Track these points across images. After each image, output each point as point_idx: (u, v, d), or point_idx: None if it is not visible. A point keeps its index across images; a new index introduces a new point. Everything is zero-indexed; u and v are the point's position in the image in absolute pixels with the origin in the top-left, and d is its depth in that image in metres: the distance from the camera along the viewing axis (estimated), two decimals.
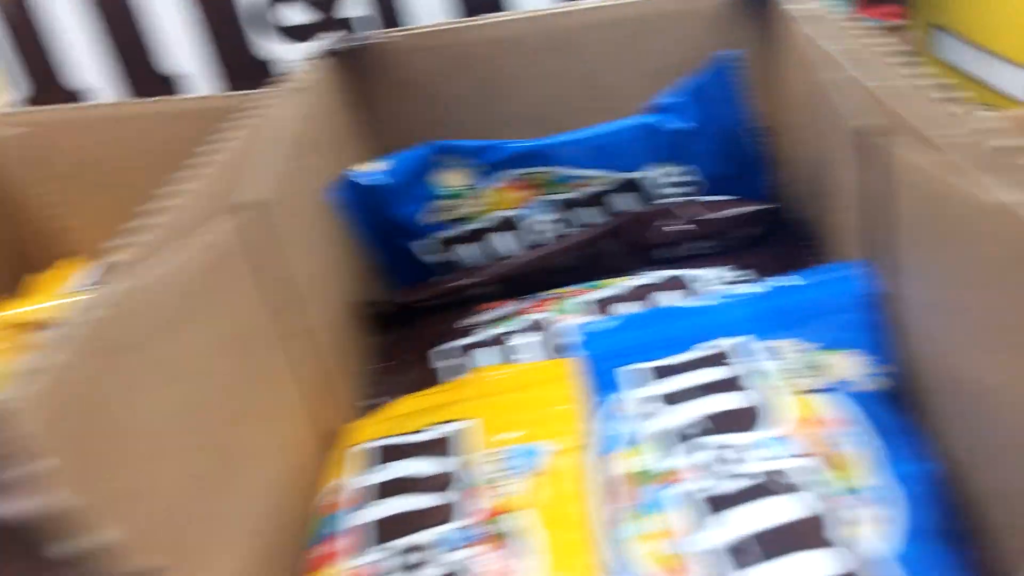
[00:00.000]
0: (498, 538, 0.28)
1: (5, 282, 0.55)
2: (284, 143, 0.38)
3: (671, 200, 0.44)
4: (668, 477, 0.28)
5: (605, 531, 0.28)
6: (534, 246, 0.46)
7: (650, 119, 0.44)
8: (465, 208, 0.47)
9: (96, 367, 0.22)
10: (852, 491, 0.27)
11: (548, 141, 0.45)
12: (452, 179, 0.47)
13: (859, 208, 0.33)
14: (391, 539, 0.29)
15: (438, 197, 0.47)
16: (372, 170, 0.45)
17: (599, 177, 0.45)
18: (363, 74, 0.49)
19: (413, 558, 0.27)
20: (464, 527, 0.29)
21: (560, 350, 0.38)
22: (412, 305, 0.46)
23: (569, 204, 0.46)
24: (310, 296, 0.38)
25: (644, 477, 0.28)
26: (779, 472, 0.27)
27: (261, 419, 0.31)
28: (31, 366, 0.20)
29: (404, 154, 0.46)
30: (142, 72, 0.64)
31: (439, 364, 0.41)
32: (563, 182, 0.46)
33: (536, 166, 0.45)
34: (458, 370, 0.40)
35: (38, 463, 0.18)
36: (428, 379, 0.40)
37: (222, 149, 0.34)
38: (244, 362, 0.30)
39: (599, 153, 0.44)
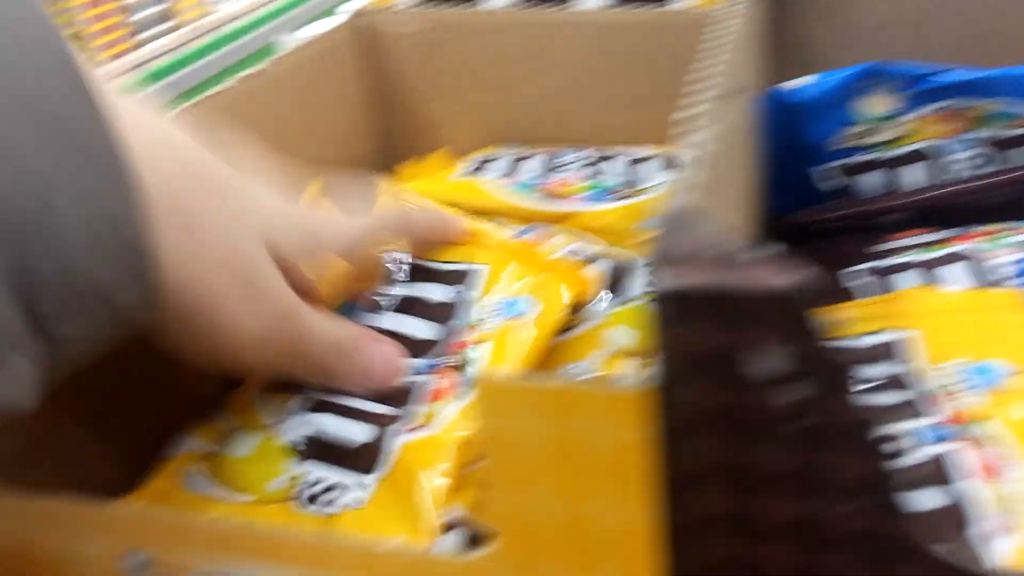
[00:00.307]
0: (975, 440, 0.29)
1: (376, 166, 0.61)
2: (745, 48, 0.40)
3: None
4: None
5: None
6: (953, 182, 0.45)
7: None
8: (881, 135, 0.47)
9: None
10: None
11: (993, 73, 0.43)
12: (876, 105, 0.46)
13: None
14: None
15: (856, 123, 0.47)
16: (799, 86, 0.46)
17: None
18: None
19: (889, 447, 0.29)
20: (936, 425, 0.29)
21: (996, 284, 0.37)
22: (815, 225, 0.47)
23: (998, 143, 0.45)
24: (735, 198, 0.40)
25: None
26: None
27: None
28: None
29: (834, 73, 0.46)
30: None
31: (851, 284, 0.41)
32: (998, 118, 0.44)
33: (972, 98, 0.44)
34: (874, 291, 0.40)
35: None
36: (838, 297, 0.41)
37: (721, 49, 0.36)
38: None
39: None
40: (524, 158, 0.55)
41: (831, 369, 0.18)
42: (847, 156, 0.48)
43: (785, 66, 0.54)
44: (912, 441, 0.29)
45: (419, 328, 0.35)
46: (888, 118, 0.46)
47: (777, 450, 0.19)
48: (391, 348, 0.34)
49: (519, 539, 0.22)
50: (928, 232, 0.43)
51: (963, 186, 0.44)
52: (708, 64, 0.32)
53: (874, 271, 0.41)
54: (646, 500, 0.21)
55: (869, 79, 0.46)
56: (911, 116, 0.46)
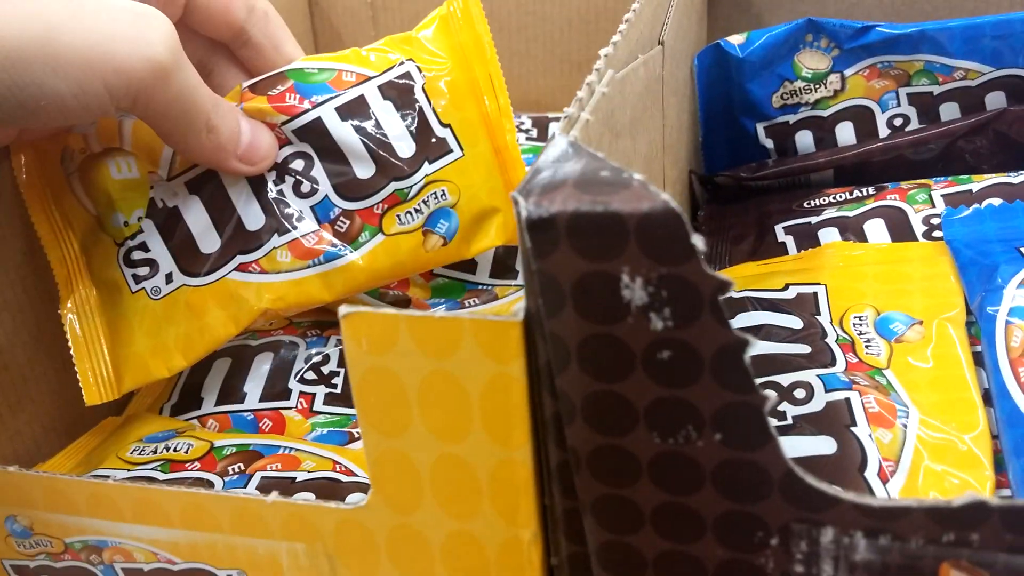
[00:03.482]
0: (879, 388, 0.28)
1: None
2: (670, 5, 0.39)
3: None
4: None
5: (989, 395, 0.28)
6: (883, 139, 0.45)
7: None
8: (814, 93, 0.46)
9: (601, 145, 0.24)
10: None
11: (925, 26, 0.43)
12: (812, 61, 0.46)
13: None
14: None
15: (791, 79, 0.46)
16: (742, 42, 0.46)
17: (974, 70, 0.43)
18: None
19: (799, 393, 0.28)
20: (838, 374, 0.29)
21: (915, 237, 0.37)
22: (750, 181, 0.46)
23: (931, 98, 0.44)
24: (668, 148, 0.39)
25: None
26: None
27: None
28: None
29: (773, 28, 0.45)
30: None
31: (784, 239, 0.41)
32: (931, 72, 0.44)
33: (906, 53, 0.44)
34: (805, 245, 0.40)
35: None
36: (770, 250, 0.41)
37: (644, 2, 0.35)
38: None
39: (980, 44, 0.42)
40: None
41: (695, 296, 0.18)
42: (783, 113, 0.47)
43: (723, 22, 0.53)
44: (816, 389, 0.29)
45: None
46: (822, 75, 0.46)
47: (641, 383, 0.19)
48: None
49: (395, 484, 0.22)
50: (855, 188, 0.43)
51: (889, 142, 0.43)
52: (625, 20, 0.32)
53: (802, 226, 0.41)
54: (523, 439, 0.21)
55: (804, 35, 0.45)
56: (844, 73, 0.45)
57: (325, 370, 0.36)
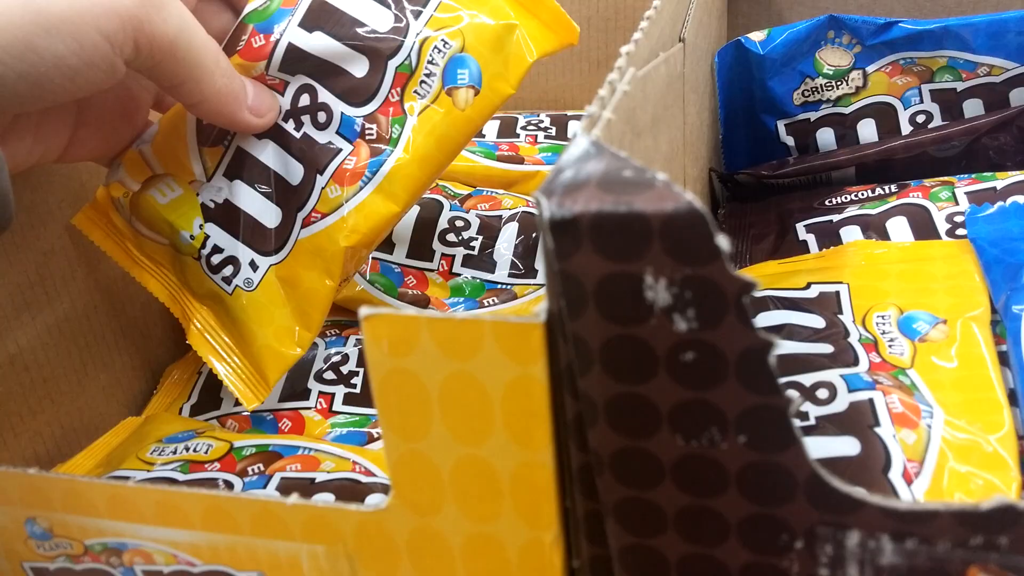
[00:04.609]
0: (904, 388, 0.28)
1: None
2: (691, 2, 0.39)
3: None
4: None
5: (1015, 395, 0.27)
6: (906, 136, 0.45)
7: None
8: (837, 90, 0.46)
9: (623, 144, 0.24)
10: None
11: (948, 22, 0.42)
12: (834, 57, 0.45)
13: None
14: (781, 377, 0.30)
15: (814, 76, 0.46)
16: (763, 39, 0.45)
17: (998, 67, 0.42)
18: None
19: (822, 393, 0.28)
20: (861, 374, 0.29)
21: (938, 235, 0.37)
22: (771, 179, 0.46)
23: (954, 94, 0.44)
24: (689, 147, 0.39)
25: None
26: None
27: None
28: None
29: (795, 25, 0.45)
30: None
31: (805, 237, 0.41)
32: (954, 68, 0.43)
33: (928, 49, 0.43)
34: (827, 244, 0.40)
35: None
36: (792, 249, 0.40)
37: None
38: None
39: (1004, 40, 0.42)
40: None
41: (719, 297, 0.18)
42: (805, 111, 0.47)
43: (743, 19, 0.53)
44: (839, 389, 0.28)
45: None
46: (844, 72, 0.45)
47: (664, 385, 0.19)
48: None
49: (416, 487, 0.21)
50: (877, 186, 0.42)
51: (912, 139, 0.43)
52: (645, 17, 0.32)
53: (824, 224, 0.41)
54: (544, 440, 0.20)
55: (828, 29, 0.45)
56: (866, 69, 0.45)
57: (344, 370, 0.36)
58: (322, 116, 0.33)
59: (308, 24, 0.33)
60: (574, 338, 0.19)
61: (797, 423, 0.27)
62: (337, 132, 0.33)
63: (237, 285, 0.34)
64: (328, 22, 0.33)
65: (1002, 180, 0.38)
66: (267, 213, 0.34)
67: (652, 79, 0.30)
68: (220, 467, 0.30)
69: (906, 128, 0.44)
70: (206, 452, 0.31)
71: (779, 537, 0.19)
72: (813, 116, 0.47)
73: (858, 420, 0.27)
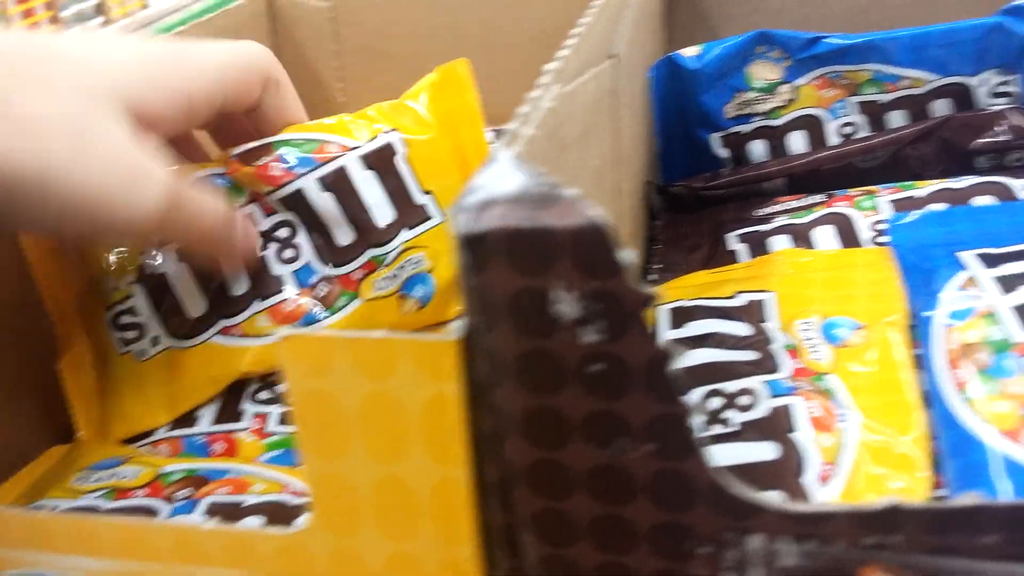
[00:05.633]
0: (822, 393, 0.29)
1: None
2: (632, 11, 0.40)
3: (1000, 107, 0.42)
4: (1014, 348, 0.28)
5: (928, 397, 0.28)
6: (833, 147, 0.46)
7: (1000, 20, 0.42)
8: (767, 103, 0.47)
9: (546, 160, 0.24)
10: None
11: (873, 36, 0.44)
12: (764, 71, 0.47)
13: None
14: (703, 385, 0.31)
15: (745, 90, 0.47)
16: (696, 54, 0.46)
17: (920, 79, 0.44)
18: None
19: (745, 400, 0.29)
20: (782, 380, 0.30)
21: (866, 242, 0.38)
22: (705, 191, 0.47)
23: (878, 106, 0.45)
24: (624, 161, 0.40)
25: (984, 347, 0.28)
26: None
27: None
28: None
29: (726, 40, 0.46)
30: None
31: (736, 247, 0.42)
32: (879, 81, 0.45)
33: (854, 63, 0.45)
34: (756, 253, 0.41)
35: None
36: (723, 259, 0.41)
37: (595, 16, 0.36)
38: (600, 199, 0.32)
39: (926, 53, 0.43)
40: None
41: (623, 310, 0.18)
42: (737, 124, 0.48)
43: (680, 33, 0.54)
44: (761, 395, 0.29)
45: None
46: (774, 85, 0.46)
47: (575, 397, 0.19)
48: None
49: (335, 508, 0.22)
50: (810, 196, 0.43)
51: (839, 150, 0.44)
52: (575, 32, 0.32)
53: (754, 234, 0.42)
54: (460, 456, 0.21)
55: (758, 44, 0.46)
56: (795, 83, 0.46)
57: (280, 389, 0.36)
58: (289, 253, 0.36)
59: (325, 183, 0.35)
60: (488, 352, 0.20)
61: (718, 428, 0.28)
62: (294, 273, 0.35)
63: (130, 351, 0.35)
64: (342, 192, 0.35)
65: (923, 189, 0.39)
66: (195, 304, 0.35)
67: (579, 95, 0.31)
68: (148, 492, 0.30)
69: (834, 140, 0.46)
70: (133, 478, 0.31)
71: (686, 543, 0.20)
72: (745, 129, 0.48)
73: (778, 425, 0.28)
